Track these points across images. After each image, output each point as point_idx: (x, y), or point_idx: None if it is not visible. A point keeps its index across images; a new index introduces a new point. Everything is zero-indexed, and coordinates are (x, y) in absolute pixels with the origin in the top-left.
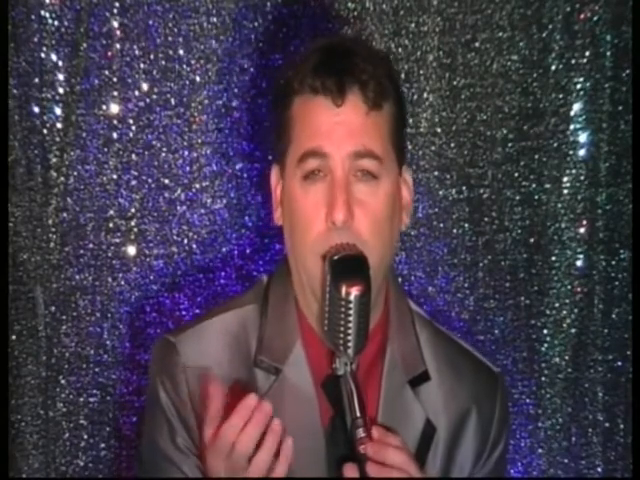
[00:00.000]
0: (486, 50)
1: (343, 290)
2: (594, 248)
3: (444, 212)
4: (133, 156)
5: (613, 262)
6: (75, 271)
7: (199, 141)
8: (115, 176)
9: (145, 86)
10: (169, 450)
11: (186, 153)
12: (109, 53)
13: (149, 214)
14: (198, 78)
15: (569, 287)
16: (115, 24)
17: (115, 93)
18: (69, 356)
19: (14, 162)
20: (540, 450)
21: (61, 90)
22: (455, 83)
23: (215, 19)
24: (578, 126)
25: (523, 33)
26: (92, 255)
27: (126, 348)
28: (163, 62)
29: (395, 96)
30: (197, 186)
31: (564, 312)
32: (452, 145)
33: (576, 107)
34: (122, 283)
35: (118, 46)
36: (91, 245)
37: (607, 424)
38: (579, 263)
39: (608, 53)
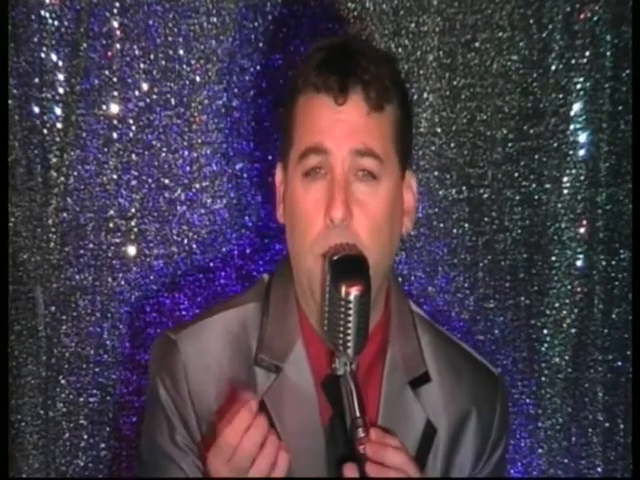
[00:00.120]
0: (486, 50)
1: (343, 290)
2: (594, 248)
3: (444, 212)
4: (133, 156)
5: (613, 262)
6: (75, 271)
7: (199, 141)
8: (115, 176)
9: (145, 86)
10: (168, 448)
11: (186, 153)
12: (109, 53)
13: (149, 214)
14: (198, 78)
15: (569, 287)
16: (115, 24)
17: (115, 93)
18: (69, 356)
19: (14, 162)
20: (540, 450)
21: (61, 90)
22: (455, 83)
23: (215, 19)
24: (578, 126)
25: (523, 33)
26: (92, 255)
27: (126, 348)
28: (163, 62)
29: (399, 99)
30: (197, 186)
31: (564, 312)
32: (452, 145)
33: (576, 107)
34: (122, 283)
35: (118, 46)
36: (91, 245)
37: (607, 424)
38: (579, 263)
39: (608, 53)
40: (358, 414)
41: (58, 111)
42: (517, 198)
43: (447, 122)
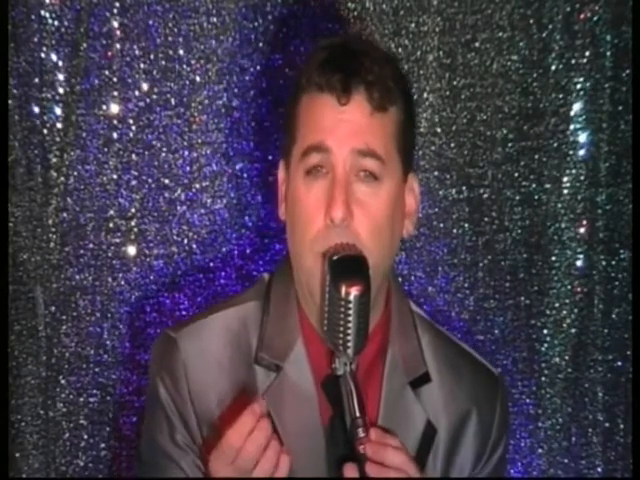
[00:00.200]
0: (486, 50)
1: (343, 290)
2: (594, 248)
3: (444, 212)
4: (133, 156)
5: (613, 262)
6: (75, 271)
7: (199, 141)
8: (115, 176)
9: (145, 86)
10: (168, 447)
11: (186, 153)
12: (109, 53)
13: (149, 214)
14: (198, 78)
15: (569, 287)
16: (115, 24)
17: (115, 93)
18: (69, 356)
19: (14, 162)
20: (540, 450)
21: (61, 90)
22: (455, 83)
23: (215, 19)
24: (578, 126)
25: (523, 33)
26: (92, 255)
27: (126, 348)
28: (163, 62)
29: (403, 101)
30: (197, 186)
31: (564, 312)
32: (452, 145)
33: (576, 107)
34: (122, 283)
35: (118, 46)
36: (91, 245)
37: (607, 424)
38: (579, 263)
39: (608, 53)
40: (358, 414)
41: (58, 111)
42: (517, 198)
43: (447, 122)
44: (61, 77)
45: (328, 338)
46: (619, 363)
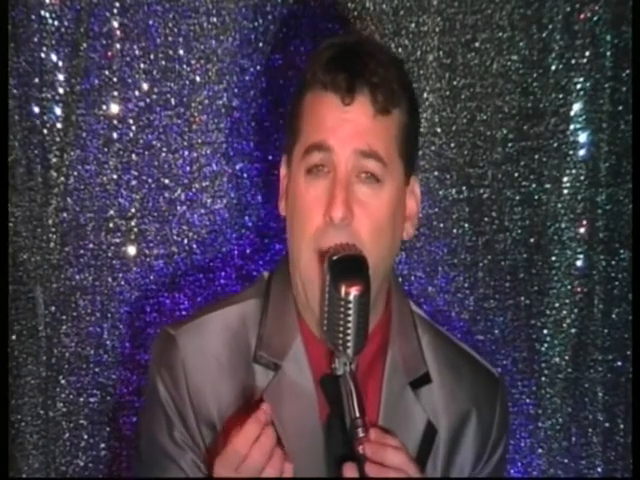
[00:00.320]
0: (486, 50)
1: (342, 290)
2: (594, 248)
3: (444, 212)
4: (133, 156)
5: (613, 262)
6: (75, 271)
7: (199, 141)
8: (115, 176)
9: (145, 86)
10: (167, 445)
11: (186, 153)
12: (109, 53)
13: (149, 214)
14: (198, 78)
15: (569, 287)
16: (115, 24)
17: (115, 93)
18: (69, 356)
19: (14, 162)
20: (540, 450)
21: (61, 90)
22: (455, 83)
23: (215, 19)
24: (578, 126)
25: (523, 33)
26: (92, 255)
27: (126, 348)
28: (163, 62)
29: (407, 104)
30: (197, 186)
31: (564, 312)
32: (452, 145)
33: (576, 107)
34: (122, 283)
35: (118, 46)
36: (91, 245)
37: (607, 424)
38: (579, 263)
39: (608, 53)
40: (358, 414)
41: (58, 111)
42: (517, 198)
43: (447, 122)
44: (61, 77)
45: (328, 338)
46: (619, 363)
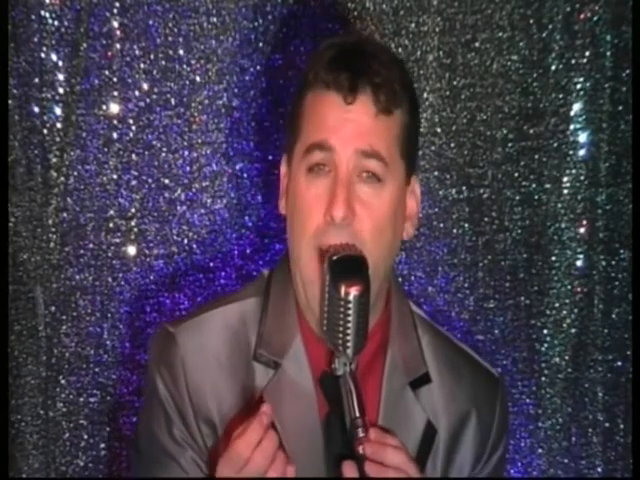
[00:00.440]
0: (486, 50)
1: (342, 290)
2: (594, 248)
3: (444, 212)
4: (133, 156)
5: (613, 262)
6: (75, 271)
7: (199, 141)
8: (115, 176)
9: (145, 86)
10: (166, 442)
11: (186, 153)
12: (109, 53)
13: (149, 214)
14: (198, 78)
15: (569, 287)
16: (115, 24)
17: (115, 93)
18: (69, 356)
19: (14, 162)
20: (540, 450)
21: (61, 90)
22: (455, 83)
23: (215, 19)
24: (578, 126)
25: (523, 33)
26: (92, 255)
27: (126, 348)
28: (163, 62)
29: (408, 104)
30: (197, 186)
31: (564, 312)
32: (452, 145)
33: (576, 107)
34: (122, 283)
35: (118, 46)
36: (91, 245)
37: (607, 424)
38: (579, 263)
39: (608, 53)
40: (358, 414)
41: (58, 111)
42: (517, 198)
43: (447, 122)
44: (61, 77)
45: (328, 338)
46: (619, 363)
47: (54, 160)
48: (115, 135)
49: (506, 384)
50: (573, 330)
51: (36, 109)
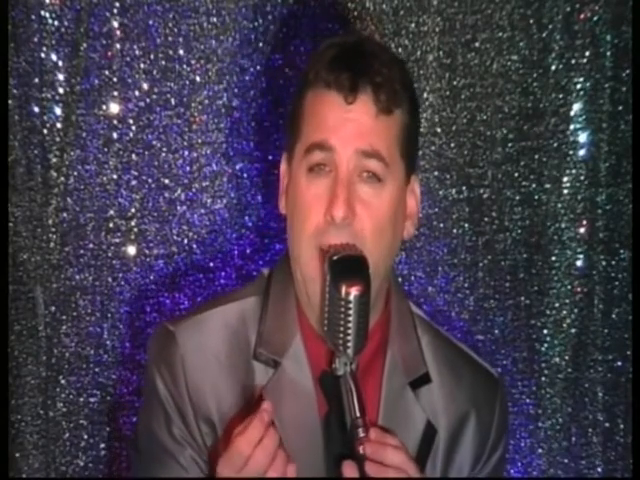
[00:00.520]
0: (486, 50)
1: (343, 290)
2: (594, 248)
3: (444, 212)
4: (133, 156)
5: (613, 262)
6: (75, 271)
7: (199, 141)
8: (115, 176)
9: (145, 86)
10: (165, 440)
11: (186, 153)
12: (109, 53)
13: (149, 214)
14: (198, 78)
15: (569, 287)
16: (115, 24)
17: (115, 93)
18: (69, 356)
19: (14, 162)
20: (540, 450)
21: (61, 90)
22: (455, 83)
23: (215, 19)
24: (578, 126)
25: (523, 33)
26: (92, 255)
27: (126, 348)
28: (163, 62)
29: (408, 104)
30: (197, 186)
31: (564, 312)
32: (452, 145)
33: (576, 107)
34: (122, 283)
35: (118, 46)
36: (91, 245)
37: (607, 424)
38: (579, 263)
39: (608, 53)
40: (358, 414)
41: (58, 111)
42: (517, 198)
43: (447, 122)
44: (61, 77)
45: (328, 338)
46: (619, 363)
47: (54, 160)
48: (115, 135)
49: (506, 384)
50: (573, 330)
51: (36, 109)
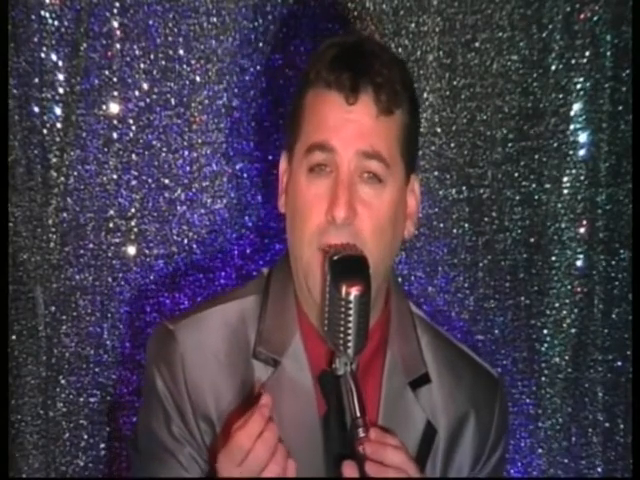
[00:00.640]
0: (486, 50)
1: (343, 290)
2: (594, 248)
3: (444, 212)
4: (133, 156)
5: (613, 262)
6: (75, 271)
7: (199, 141)
8: (115, 176)
9: (145, 86)
10: (165, 438)
11: (186, 153)
12: (109, 53)
13: (149, 214)
14: (198, 78)
15: (569, 287)
16: (115, 24)
17: (115, 93)
18: (69, 356)
19: (14, 162)
20: (540, 450)
21: (61, 90)
22: (455, 83)
23: (215, 19)
24: (578, 126)
25: (523, 33)
26: (92, 255)
27: (126, 348)
28: (163, 62)
29: (409, 104)
30: (197, 186)
31: (564, 312)
32: (452, 145)
33: (576, 107)
34: (122, 283)
35: (118, 46)
36: (91, 245)
37: (607, 424)
38: (579, 263)
39: (608, 53)
40: (358, 414)
41: (58, 111)
42: (517, 198)
43: (447, 122)
44: (61, 77)
45: (328, 338)
46: (619, 363)
47: (54, 160)
48: (115, 135)
49: (506, 384)
50: (573, 330)
51: (36, 109)
